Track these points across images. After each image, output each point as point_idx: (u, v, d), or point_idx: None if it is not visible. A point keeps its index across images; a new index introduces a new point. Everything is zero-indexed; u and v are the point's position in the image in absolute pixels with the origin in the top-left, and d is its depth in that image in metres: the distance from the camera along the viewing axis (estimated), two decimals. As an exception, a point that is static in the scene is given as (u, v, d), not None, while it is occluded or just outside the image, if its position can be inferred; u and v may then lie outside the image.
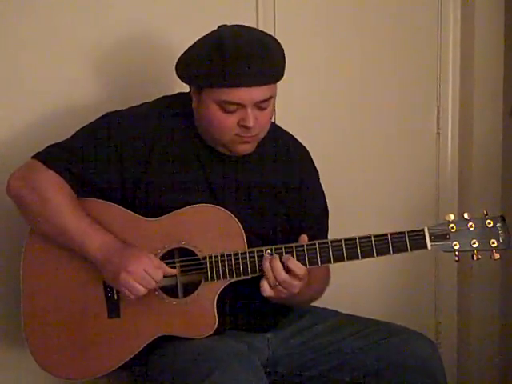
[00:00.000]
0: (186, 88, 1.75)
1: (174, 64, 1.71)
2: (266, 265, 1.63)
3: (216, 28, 1.69)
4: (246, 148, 1.70)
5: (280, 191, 1.80)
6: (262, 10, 2.25)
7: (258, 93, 1.61)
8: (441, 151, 2.62)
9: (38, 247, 1.72)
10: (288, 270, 1.62)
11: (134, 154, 1.71)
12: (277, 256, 1.63)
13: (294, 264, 1.62)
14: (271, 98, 1.65)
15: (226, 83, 1.59)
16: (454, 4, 2.57)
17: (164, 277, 1.65)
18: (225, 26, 1.69)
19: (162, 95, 1.83)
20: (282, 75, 1.66)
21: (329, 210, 1.90)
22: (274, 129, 1.81)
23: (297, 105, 2.28)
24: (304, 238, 1.66)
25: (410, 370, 1.69)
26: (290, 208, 1.81)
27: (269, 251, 1.65)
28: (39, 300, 1.71)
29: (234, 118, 1.63)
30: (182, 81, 1.71)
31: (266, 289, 1.63)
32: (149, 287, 1.62)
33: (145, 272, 1.61)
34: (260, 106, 1.63)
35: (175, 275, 1.68)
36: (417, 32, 2.54)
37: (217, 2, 2.18)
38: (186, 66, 1.67)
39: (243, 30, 1.67)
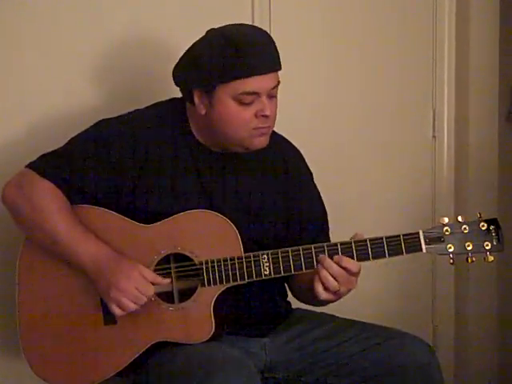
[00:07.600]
0: (178, 93, 1.75)
1: (171, 72, 1.71)
2: (322, 271, 1.62)
3: (208, 30, 1.70)
4: (263, 140, 1.71)
5: (277, 195, 1.81)
6: (257, 8, 2.27)
7: (270, 80, 1.66)
8: (437, 155, 2.62)
9: (33, 255, 1.72)
10: (344, 269, 1.62)
11: (129, 161, 1.71)
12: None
13: (347, 261, 1.62)
14: (279, 84, 1.69)
15: (245, 74, 1.62)
16: (450, 7, 2.57)
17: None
18: (213, 29, 1.70)
19: (156, 101, 1.83)
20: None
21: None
22: None
23: (291, 104, 2.26)
24: (360, 235, 1.65)
25: (408, 374, 1.68)
26: (287, 212, 1.81)
27: (265, 256, 1.65)
28: (35, 307, 1.71)
29: (251, 110, 1.66)
30: (183, 86, 1.71)
31: (321, 291, 1.62)
32: (140, 303, 1.63)
33: (136, 290, 1.61)
34: (271, 93, 1.68)
35: (170, 283, 1.68)
36: (412, 35, 2.54)
37: (211, 2, 2.20)
38: (192, 69, 1.67)
39: (237, 25, 1.71)
